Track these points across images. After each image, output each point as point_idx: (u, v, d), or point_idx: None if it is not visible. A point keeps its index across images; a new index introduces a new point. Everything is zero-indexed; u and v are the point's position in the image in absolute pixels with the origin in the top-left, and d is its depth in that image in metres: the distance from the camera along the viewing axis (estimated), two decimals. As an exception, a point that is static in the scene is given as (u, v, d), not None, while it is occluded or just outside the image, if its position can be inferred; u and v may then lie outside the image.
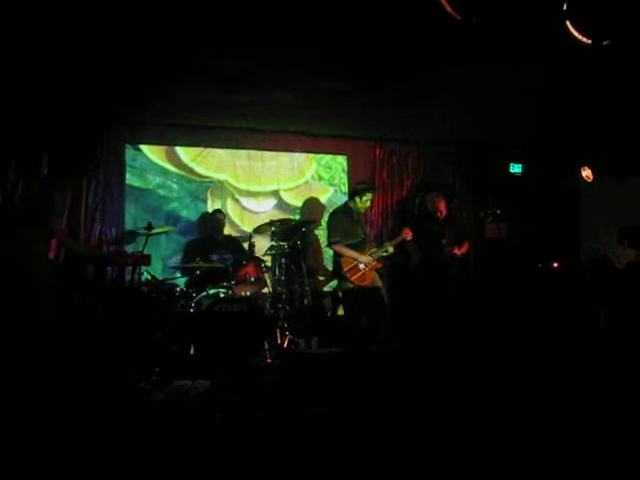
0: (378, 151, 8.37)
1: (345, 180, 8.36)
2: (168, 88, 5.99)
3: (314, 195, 8.18)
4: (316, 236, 7.91)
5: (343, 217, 6.46)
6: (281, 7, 4.29)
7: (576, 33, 3.21)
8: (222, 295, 6.10)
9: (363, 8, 4.25)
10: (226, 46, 5.00)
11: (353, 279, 6.22)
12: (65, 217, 6.67)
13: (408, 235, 6.50)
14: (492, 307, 6.98)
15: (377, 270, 6.45)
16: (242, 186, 7.97)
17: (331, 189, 8.33)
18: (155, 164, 7.55)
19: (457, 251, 6.94)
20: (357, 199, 6.47)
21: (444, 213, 7.00)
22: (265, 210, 7.97)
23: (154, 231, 6.30)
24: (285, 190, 8.15)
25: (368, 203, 6.58)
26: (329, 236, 6.47)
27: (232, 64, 5.42)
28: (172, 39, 4.87)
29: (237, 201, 7.95)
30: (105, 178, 7.16)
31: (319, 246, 7.87)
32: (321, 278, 7.76)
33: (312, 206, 8.06)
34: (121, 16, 4.41)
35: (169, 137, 7.54)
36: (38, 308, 5.30)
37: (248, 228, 7.47)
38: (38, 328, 5.14)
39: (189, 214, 7.68)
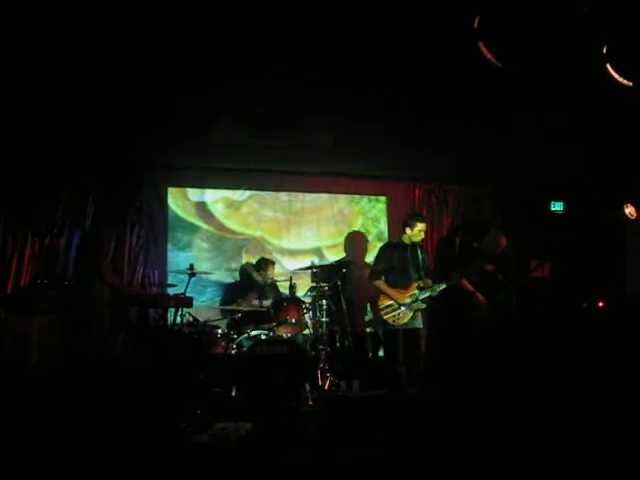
0: (417, 191, 8.38)
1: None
2: (208, 132, 6.10)
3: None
4: (361, 275, 7.36)
5: (391, 252, 5.91)
6: (324, 52, 4.40)
7: (616, 76, 3.21)
8: (263, 337, 6.12)
9: (404, 57, 4.35)
10: (267, 91, 5.12)
11: (386, 318, 5.74)
12: (110, 257, 6.81)
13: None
14: (536, 350, 6.77)
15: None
16: (280, 243, 7.45)
17: (379, 244, 7.84)
18: (184, 221, 7.33)
19: None
20: (408, 230, 5.87)
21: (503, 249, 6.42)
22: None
23: (196, 271, 6.37)
24: (328, 247, 7.65)
25: (422, 234, 5.93)
26: (370, 270, 6.08)
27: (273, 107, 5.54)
28: (211, 84, 5.00)
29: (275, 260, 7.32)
30: (149, 221, 7.33)
31: (364, 285, 7.24)
32: (367, 318, 7.61)
33: (353, 241, 7.85)
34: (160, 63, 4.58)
35: (209, 180, 7.62)
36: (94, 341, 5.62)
37: (285, 289, 6.97)
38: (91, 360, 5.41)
39: (220, 277, 7.32)
